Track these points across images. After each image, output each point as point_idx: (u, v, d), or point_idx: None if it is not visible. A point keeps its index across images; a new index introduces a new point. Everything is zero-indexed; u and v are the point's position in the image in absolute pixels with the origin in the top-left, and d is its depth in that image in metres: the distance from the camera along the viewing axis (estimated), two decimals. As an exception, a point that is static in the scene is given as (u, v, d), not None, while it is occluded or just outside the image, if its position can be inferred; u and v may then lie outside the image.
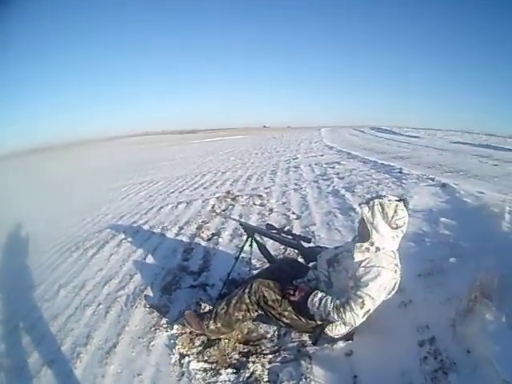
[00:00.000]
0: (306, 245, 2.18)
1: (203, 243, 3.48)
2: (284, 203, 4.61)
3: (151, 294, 2.65)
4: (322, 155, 9.42)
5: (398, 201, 1.60)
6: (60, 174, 15.35)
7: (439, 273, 2.15)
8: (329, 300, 1.62)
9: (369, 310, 1.55)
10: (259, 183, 6.41)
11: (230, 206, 4.84)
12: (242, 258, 2.58)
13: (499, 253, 2.15)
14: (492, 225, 2.75)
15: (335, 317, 1.58)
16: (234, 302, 1.82)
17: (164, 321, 2.25)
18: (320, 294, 1.67)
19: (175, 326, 2.13)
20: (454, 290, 1.87)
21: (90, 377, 1.88)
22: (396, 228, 1.58)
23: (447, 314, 1.71)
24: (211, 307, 2.13)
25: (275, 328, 2.02)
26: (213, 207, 4.87)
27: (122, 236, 4.11)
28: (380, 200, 1.60)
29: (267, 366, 1.77)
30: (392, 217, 1.56)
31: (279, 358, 1.82)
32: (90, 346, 2.14)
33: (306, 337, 1.91)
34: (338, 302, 1.60)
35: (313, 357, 1.78)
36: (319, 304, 1.63)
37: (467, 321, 1.60)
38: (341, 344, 1.82)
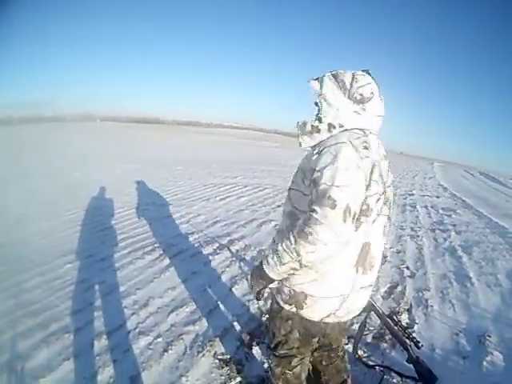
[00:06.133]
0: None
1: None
2: (398, 252, 4.11)
3: (226, 342, 2.15)
4: (437, 197, 8.65)
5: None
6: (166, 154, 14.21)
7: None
8: (277, 247, 1.07)
9: (348, 207, 0.95)
10: (373, 219, 5.53)
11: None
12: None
13: None
14: None
15: (301, 250, 0.98)
16: None
17: (234, 384, 1.81)
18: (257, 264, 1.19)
19: None
20: None
21: None
22: (360, 101, 1.12)
23: None
24: None
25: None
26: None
27: (211, 250, 3.72)
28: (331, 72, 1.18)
29: None
30: (351, 84, 1.13)
31: None
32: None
33: None
34: (292, 233, 1.01)
35: None
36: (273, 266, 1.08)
37: None
38: None
